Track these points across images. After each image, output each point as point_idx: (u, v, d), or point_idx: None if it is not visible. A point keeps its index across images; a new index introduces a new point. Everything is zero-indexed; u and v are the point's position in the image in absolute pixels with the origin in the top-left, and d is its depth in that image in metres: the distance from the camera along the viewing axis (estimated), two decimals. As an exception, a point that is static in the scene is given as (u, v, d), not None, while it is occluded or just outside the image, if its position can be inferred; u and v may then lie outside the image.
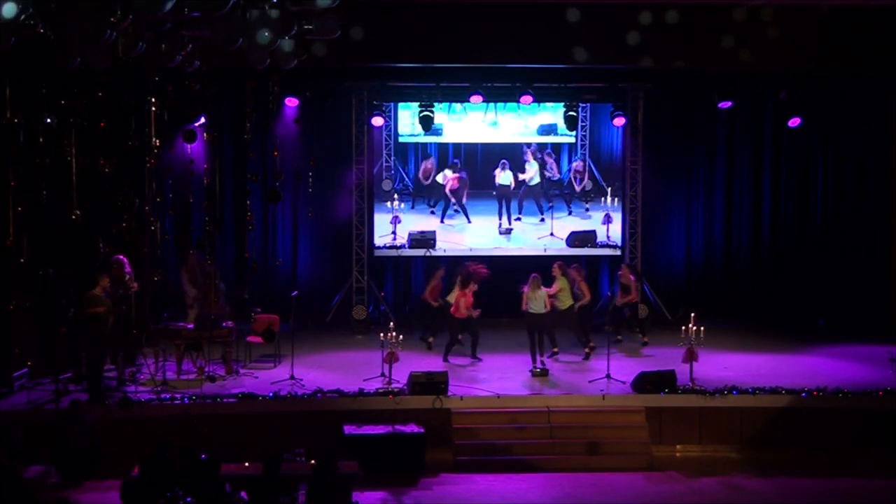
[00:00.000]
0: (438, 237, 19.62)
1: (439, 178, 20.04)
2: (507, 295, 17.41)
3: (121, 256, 14.70)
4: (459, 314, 16.52)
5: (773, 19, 15.81)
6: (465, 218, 20.25)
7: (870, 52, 16.31)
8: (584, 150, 20.54)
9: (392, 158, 20.39)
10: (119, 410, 11.69)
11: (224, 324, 15.74)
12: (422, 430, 14.04)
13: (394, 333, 15.01)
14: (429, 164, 20.25)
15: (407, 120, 20.11)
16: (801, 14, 15.97)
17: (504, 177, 19.93)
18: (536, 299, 16.23)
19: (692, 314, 15.33)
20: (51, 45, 9.04)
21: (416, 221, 20.12)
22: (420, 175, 20.28)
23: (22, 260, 10.48)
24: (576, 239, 19.73)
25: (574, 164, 20.46)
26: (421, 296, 18.18)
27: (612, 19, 15.72)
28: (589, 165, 20.66)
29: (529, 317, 16.28)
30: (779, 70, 17.75)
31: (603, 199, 20.17)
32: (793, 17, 15.96)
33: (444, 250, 19.51)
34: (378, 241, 19.67)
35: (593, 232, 19.84)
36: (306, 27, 10.27)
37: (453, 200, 20.13)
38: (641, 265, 19.67)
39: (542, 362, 16.15)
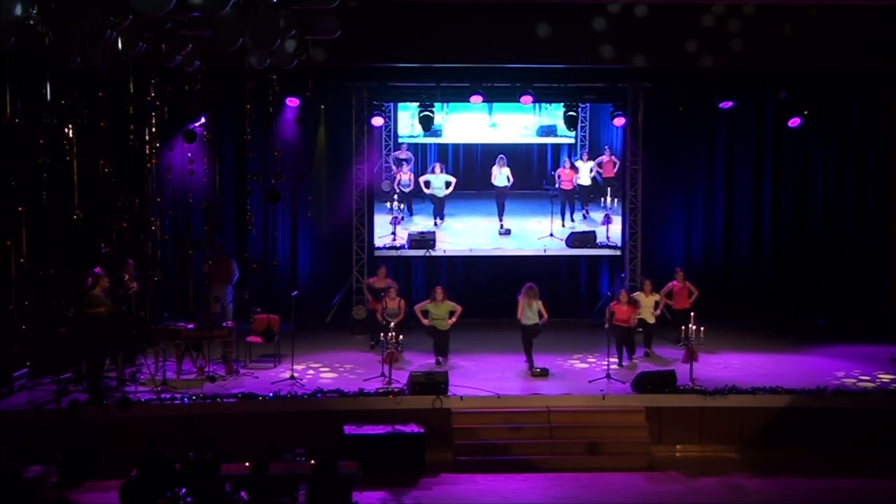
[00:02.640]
0: (437, 238, 19.63)
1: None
2: (507, 295, 17.39)
3: (129, 260, 14.75)
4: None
5: (774, 19, 15.82)
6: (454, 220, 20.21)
7: (870, 52, 16.31)
8: (585, 150, 20.51)
9: (392, 159, 20.37)
10: (119, 410, 11.69)
11: (224, 324, 15.75)
12: (422, 430, 14.03)
13: (393, 333, 15.01)
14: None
15: (406, 121, 20.09)
16: (800, 14, 15.97)
17: (501, 177, 19.89)
18: (531, 310, 16.20)
19: (692, 314, 15.33)
20: (51, 45, 9.04)
21: (416, 222, 20.13)
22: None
23: (22, 260, 10.47)
24: (575, 239, 19.72)
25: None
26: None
27: (613, 18, 15.76)
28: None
29: (524, 328, 16.28)
30: (778, 70, 17.74)
31: (603, 199, 20.16)
32: (793, 16, 15.96)
33: (444, 251, 19.50)
34: (378, 242, 19.66)
35: (593, 233, 19.81)
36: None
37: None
38: (641, 265, 19.68)
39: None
